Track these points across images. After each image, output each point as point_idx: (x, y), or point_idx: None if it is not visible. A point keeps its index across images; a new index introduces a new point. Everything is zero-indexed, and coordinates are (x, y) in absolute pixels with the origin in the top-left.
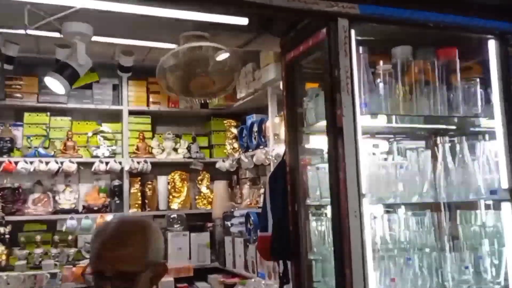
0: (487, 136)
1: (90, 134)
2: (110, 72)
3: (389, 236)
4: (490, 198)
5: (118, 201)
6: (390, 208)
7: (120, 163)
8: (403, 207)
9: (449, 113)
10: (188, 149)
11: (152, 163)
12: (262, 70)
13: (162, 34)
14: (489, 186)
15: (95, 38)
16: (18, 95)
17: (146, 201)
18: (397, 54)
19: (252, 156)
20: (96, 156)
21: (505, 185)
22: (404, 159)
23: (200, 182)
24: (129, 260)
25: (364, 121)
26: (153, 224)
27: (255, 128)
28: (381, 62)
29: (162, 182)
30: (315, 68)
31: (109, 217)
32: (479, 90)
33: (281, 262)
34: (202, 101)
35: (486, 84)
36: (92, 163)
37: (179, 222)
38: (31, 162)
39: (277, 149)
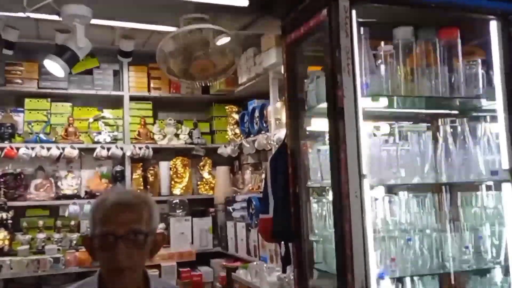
0: (488, 118)
1: (91, 120)
2: (110, 57)
3: (390, 218)
4: (491, 179)
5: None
6: (392, 190)
7: (121, 148)
8: (404, 188)
9: (450, 95)
10: (190, 135)
11: (153, 149)
12: (263, 55)
13: (163, 17)
14: (490, 167)
15: (94, 21)
16: (18, 80)
17: (148, 186)
18: (399, 35)
19: (253, 142)
20: (98, 142)
21: (505, 165)
22: (405, 141)
23: (202, 168)
24: (140, 220)
25: (365, 103)
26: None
27: (257, 113)
28: (382, 43)
29: (164, 167)
30: (316, 50)
31: None
32: (480, 71)
33: (282, 243)
34: (203, 84)
35: (488, 66)
36: (93, 149)
37: (182, 207)
38: (33, 148)
39: (278, 134)
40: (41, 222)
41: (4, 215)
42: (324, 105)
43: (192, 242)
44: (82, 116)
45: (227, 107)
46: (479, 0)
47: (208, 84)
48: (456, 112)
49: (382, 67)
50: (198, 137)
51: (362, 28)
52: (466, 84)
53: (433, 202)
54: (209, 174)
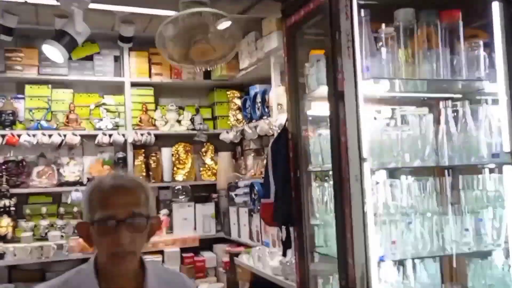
0: (489, 100)
1: (92, 106)
2: (111, 43)
3: (391, 201)
4: (492, 162)
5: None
6: (393, 174)
7: (123, 135)
8: (405, 172)
9: (452, 77)
10: (192, 120)
11: (155, 135)
12: (264, 39)
13: (162, 1)
14: (491, 150)
15: (93, 6)
16: (18, 67)
17: (151, 173)
18: (400, 17)
19: (255, 127)
20: (99, 129)
21: (507, 148)
22: (407, 124)
23: (204, 154)
24: (139, 203)
25: (366, 87)
26: None
27: (259, 99)
28: (383, 26)
29: (166, 154)
30: (317, 34)
31: None
32: (482, 53)
33: (283, 227)
34: (203, 69)
35: (490, 49)
36: (95, 136)
37: (184, 193)
38: (34, 135)
39: (280, 119)
40: (44, 209)
41: (6, 202)
42: (324, 88)
43: (195, 228)
44: (83, 102)
45: (229, 93)
46: None
47: (209, 69)
48: (457, 95)
49: (383, 49)
50: (200, 123)
51: (362, 10)
52: (468, 66)
53: (435, 186)
54: (212, 160)
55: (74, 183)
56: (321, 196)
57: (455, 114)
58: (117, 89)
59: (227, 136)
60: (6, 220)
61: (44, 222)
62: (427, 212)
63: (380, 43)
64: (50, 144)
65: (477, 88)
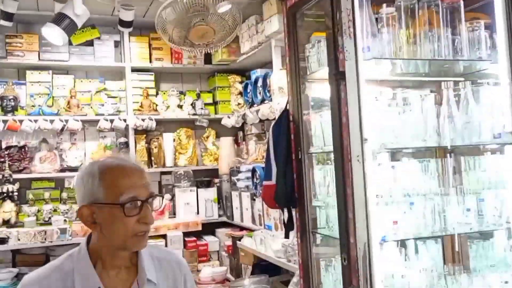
0: (491, 81)
1: (93, 92)
2: (111, 28)
3: (393, 183)
4: (494, 142)
5: None
6: (395, 156)
7: (124, 120)
8: (408, 153)
9: (453, 57)
10: (193, 105)
11: (156, 120)
12: (265, 23)
13: None
14: (493, 130)
15: None
16: (19, 53)
17: (153, 158)
18: None
19: (257, 111)
20: (101, 114)
21: (509, 128)
22: (408, 105)
23: (206, 139)
24: (150, 184)
25: (367, 68)
26: None
27: (260, 83)
28: (384, 5)
29: (167, 139)
30: (317, 15)
31: None
32: (483, 33)
33: (285, 209)
34: (204, 52)
35: (491, 30)
36: (96, 121)
37: (186, 178)
38: (36, 121)
39: (282, 102)
40: (47, 194)
41: (9, 187)
42: (325, 69)
43: (197, 213)
44: (84, 88)
45: (230, 77)
46: None
47: (209, 52)
48: (459, 76)
49: (384, 30)
50: (201, 108)
51: None
52: (469, 47)
53: (436, 168)
54: (213, 145)
55: (76, 169)
56: (322, 178)
57: (457, 95)
58: (117, 74)
59: (229, 121)
60: (10, 205)
61: (47, 207)
62: (429, 193)
63: (381, 24)
64: (52, 129)
65: (478, 69)
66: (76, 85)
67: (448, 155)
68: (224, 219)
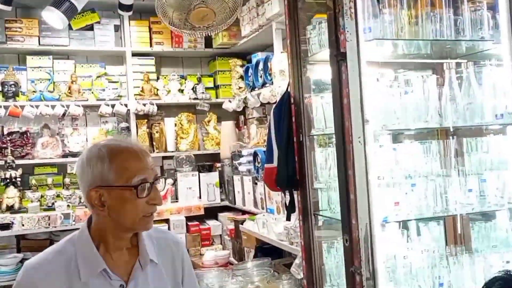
0: (493, 61)
1: (94, 76)
2: (111, 12)
3: (395, 165)
4: (496, 123)
5: None
6: (397, 138)
7: (125, 105)
8: (409, 135)
9: (455, 38)
10: (194, 90)
11: (158, 105)
12: (265, 5)
13: None
14: (495, 111)
15: None
16: (19, 38)
17: (154, 143)
18: None
19: (258, 95)
20: (102, 99)
21: (511, 109)
22: (410, 86)
23: (207, 123)
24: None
25: (369, 49)
26: None
27: (261, 66)
28: None
29: (169, 123)
30: None
31: None
32: (486, 13)
33: (287, 192)
34: (204, 35)
35: (494, 10)
36: (98, 106)
37: (188, 162)
38: (37, 106)
39: (283, 85)
40: (49, 180)
41: (13, 173)
42: (326, 51)
43: (200, 197)
44: (84, 73)
45: (230, 61)
46: None
47: (210, 34)
48: (461, 57)
49: (386, 10)
50: (202, 92)
51: None
52: (472, 27)
53: (438, 149)
54: (215, 129)
55: (78, 154)
56: (324, 160)
57: (459, 76)
58: (118, 59)
59: (230, 105)
60: (13, 191)
61: (50, 193)
62: (431, 174)
63: (383, 4)
64: (53, 115)
65: (481, 50)
66: (76, 70)
67: (450, 136)
68: (226, 203)
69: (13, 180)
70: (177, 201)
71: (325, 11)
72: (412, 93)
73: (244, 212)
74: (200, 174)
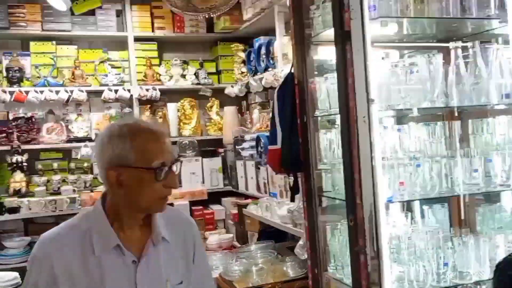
0: (500, 40)
1: (97, 62)
2: None
3: (399, 146)
4: (502, 103)
5: None
6: (402, 120)
7: (129, 90)
8: (415, 119)
9: (461, 16)
10: (196, 75)
11: (160, 90)
12: None
13: None
14: (502, 91)
15: None
16: (22, 23)
17: None
18: None
19: (260, 79)
20: (105, 85)
21: None
22: (415, 66)
23: (209, 108)
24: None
25: (374, 29)
26: None
27: (263, 51)
28: None
29: (172, 109)
30: None
31: None
32: None
33: (291, 173)
34: (207, 16)
35: None
36: (101, 92)
37: (191, 148)
38: (42, 92)
39: (286, 69)
40: (55, 165)
41: (19, 158)
42: (330, 30)
43: (203, 182)
44: (87, 58)
45: (232, 46)
46: None
47: (212, 15)
48: (467, 36)
49: None
50: (205, 77)
51: None
52: (478, 5)
53: (444, 130)
54: (217, 114)
55: (83, 139)
56: (328, 141)
57: (465, 56)
58: (120, 44)
59: (232, 90)
60: (20, 176)
61: (56, 177)
62: (436, 156)
63: None
64: (58, 100)
65: (487, 29)
66: (79, 55)
67: (455, 117)
68: (229, 188)
69: (20, 164)
70: (180, 186)
71: None
72: (417, 73)
73: (247, 197)
74: (203, 159)
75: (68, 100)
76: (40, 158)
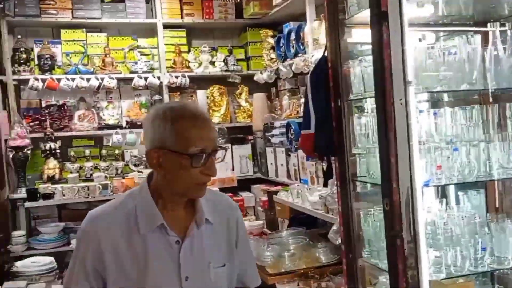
0: None
1: (126, 49)
2: None
3: (435, 130)
4: None
5: None
6: (437, 104)
7: (158, 78)
8: (450, 103)
9: None
10: (225, 62)
11: (189, 77)
12: None
13: None
14: None
15: None
16: (53, 11)
17: None
18: None
19: (290, 65)
20: (135, 72)
21: None
22: (453, 47)
23: (239, 95)
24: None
25: (410, 10)
26: None
27: (293, 36)
28: None
29: (201, 96)
30: None
31: None
32: None
33: (325, 158)
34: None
35: None
36: (131, 79)
37: (221, 135)
38: (73, 79)
39: (316, 54)
40: (87, 152)
41: (52, 145)
42: (366, 12)
43: (233, 169)
44: (117, 46)
45: (262, 32)
46: None
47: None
48: (504, 18)
49: None
50: (234, 64)
51: None
52: None
53: (481, 114)
54: (246, 101)
55: (114, 127)
56: (363, 125)
57: (503, 35)
58: (149, 31)
59: (261, 76)
60: (53, 162)
61: (89, 164)
62: (473, 140)
63: None
64: (89, 87)
65: None
66: (109, 43)
67: (492, 100)
68: (259, 175)
69: (53, 151)
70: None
71: None
72: (455, 55)
73: (277, 184)
74: (233, 146)
75: (99, 87)
76: (72, 145)
